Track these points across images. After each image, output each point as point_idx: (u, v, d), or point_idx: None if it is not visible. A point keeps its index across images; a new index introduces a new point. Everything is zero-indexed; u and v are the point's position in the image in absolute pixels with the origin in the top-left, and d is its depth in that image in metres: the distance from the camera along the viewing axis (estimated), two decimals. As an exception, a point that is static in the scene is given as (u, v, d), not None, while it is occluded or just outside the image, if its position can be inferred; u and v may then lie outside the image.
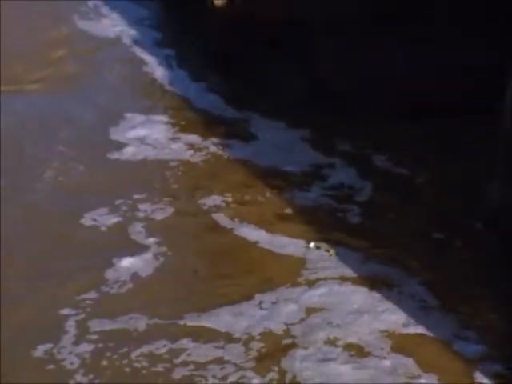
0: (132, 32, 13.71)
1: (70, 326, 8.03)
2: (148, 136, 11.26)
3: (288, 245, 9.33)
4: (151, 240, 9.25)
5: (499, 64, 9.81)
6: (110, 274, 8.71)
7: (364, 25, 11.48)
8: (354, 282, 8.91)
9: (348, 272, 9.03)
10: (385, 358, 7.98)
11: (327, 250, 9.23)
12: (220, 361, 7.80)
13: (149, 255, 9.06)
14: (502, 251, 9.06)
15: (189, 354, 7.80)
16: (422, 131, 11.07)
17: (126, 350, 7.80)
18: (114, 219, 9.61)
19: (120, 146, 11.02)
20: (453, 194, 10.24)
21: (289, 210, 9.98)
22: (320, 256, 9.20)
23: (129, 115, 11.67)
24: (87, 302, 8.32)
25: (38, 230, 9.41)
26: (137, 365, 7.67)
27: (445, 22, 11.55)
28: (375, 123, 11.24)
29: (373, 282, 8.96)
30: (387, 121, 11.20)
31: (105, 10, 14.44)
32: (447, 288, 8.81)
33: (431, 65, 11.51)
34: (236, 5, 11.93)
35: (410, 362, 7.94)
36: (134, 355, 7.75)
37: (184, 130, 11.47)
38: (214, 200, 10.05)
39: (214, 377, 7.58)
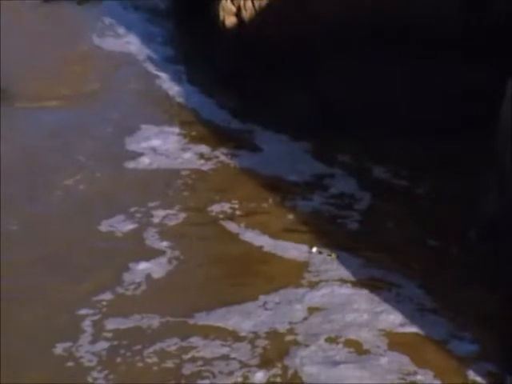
0: (146, 48, 13.76)
1: (87, 325, 8.16)
2: (161, 146, 11.39)
3: (291, 249, 9.45)
4: (164, 244, 9.39)
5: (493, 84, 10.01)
6: (125, 277, 8.85)
7: (366, 46, 11.56)
8: (355, 284, 9.02)
9: (349, 275, 9.13)
10: (382, 355, 8.09)
11: (329, 255, 9.33)
12: (226, 358, 7.92)
13: (162, 259, 9.18)
14: (495, 258, 9.11)
15: (198, 351, 7.93)
16: (421, 146, 11.10)
17: (139, 347, 7.94)
18: (130, 225, 9.72)
19: (136, 155, 11.13)
20: (449, 205, 10.29)
21: (292, 217, 10.10)
22: (322, 260, 9.32)
23: (144, 126, 11.78)
24: (103, 302, 8.44)
25: (57, 234, 9.52)
26: (149, 361, 7.81)
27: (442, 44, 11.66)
28: (375, 139, 11.31)
29: (372, 285, 9.04)
30: (387, 136, 11.25)
31: (120, 27, 14.49)
32: (444, 291, 8.87)
33: (429, 84, 11.58)
34: (245, 26, 12.04)
35: (405, 359, 8.04)
36: (146, 352, 7.89)
37: (194, 140, 11.61)
38: (221, 207, 10.19)
39: (220, 373, 7.73)
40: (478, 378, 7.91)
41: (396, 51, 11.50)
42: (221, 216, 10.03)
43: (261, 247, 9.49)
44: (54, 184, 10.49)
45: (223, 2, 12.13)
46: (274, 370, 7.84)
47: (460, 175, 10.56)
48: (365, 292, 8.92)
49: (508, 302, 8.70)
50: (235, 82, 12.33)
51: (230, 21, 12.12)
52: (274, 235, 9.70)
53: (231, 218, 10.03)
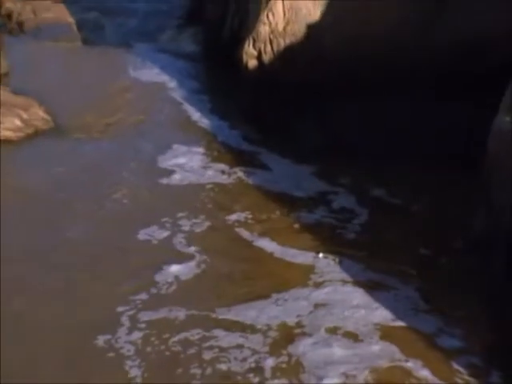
0: (175, 82, 13.98)
1: (125, 319, 8.41)
2: (187, 163, 11.61)
3: (298, 255, 9.71)
4: (192, 250, 9.66)
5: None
6: (158, 278, 9.09)
7: (372, 87, 11.69)
8: (355, 284, 9.24)
9: (349, 277, 9.37)
10: (375, 344, 8.33)
11: (334, 260, 9.61)
12: (242, 346, 8.18)
13: (190, 262, 9.45)
14: (480, 267, 9.36)
15: (217, 341, 8.20)
16: (418, 173, 11.24)
17: (167, 336, 8.21)
18: (163, 233, 9.96)
19: (168, 172, 11.34)
20: (439, 221, 10.45)
21: (297, 227, 10.33)
22: (326, 264, 9.57)
23: (174, 146, 12.04)
24: (138, 300, 8.69)
25: (101, 241, 9.77)
26: (174, 348, 8.09)
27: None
28: (376, 165, 11.43)
29: (371, 286, 9.26)
30: (387, 164, 11.38)
31: (152, 64, 14.66)
32: (435, 294, 9.06)
33: (426, 121, 11.77)
34: (265, 67, 12.20)
35: (396, 349, 8.27)
36: (173, 340, 8.17)
37: (215, 159, 11.87)
38: (237, 217, 10.47)
39: (235, 359, 8.00)
40: (462, 369, 8.06)
41: (399, 93, 11.63)
42: (236, 224, 10.31)
43: (272, 253, 9.75)
44: (103, 198, 10.71)
45: (246, 46, 12.27)
46: (282, 357, 8.08)
47: (451, 198, 10.71)
48: (364, 291, 9.13)
49: (490, 303, 8.92)
50: (253, 114, 12.53)
51: (252, 63, 12.28)
52: (282, 242, 9.93)
53: (246, 226, 10.30)
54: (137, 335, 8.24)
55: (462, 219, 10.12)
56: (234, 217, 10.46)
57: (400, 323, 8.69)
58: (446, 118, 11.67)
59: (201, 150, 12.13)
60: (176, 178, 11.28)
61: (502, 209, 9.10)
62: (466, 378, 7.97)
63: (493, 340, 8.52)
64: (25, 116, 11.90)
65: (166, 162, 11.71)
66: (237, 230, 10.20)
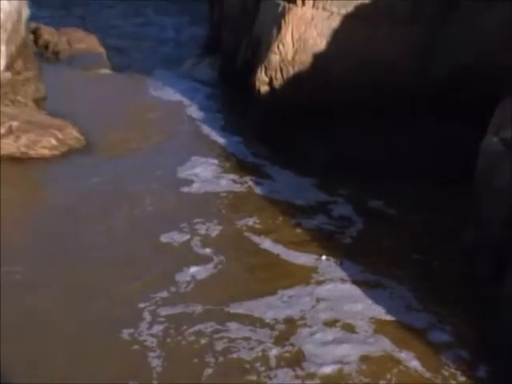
0: (193, 101, 14.14)
1: (146, 314, 8.56)
2: (202, 173, 11.79)
3: (301, 257, 9.88)
4: (207, 252, 9.83)
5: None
6: (178, 277, 9.25)
7: (372, 110, 11.90)
8: (353, 283, 9.39)
9: (349, 277, 9.50)
10: (369, 337, 8.50)
11: (334, 261, 9.74)
12: (250, 338, 8.34)
13: (206, 263, 9.60)
14: (470, 272, 9.52)
15: (228, 333, 8.37)
16: (414, 189, 11.34)
17: (185, 328, 8.38)
18: (184, 237, 10.11)
19: (188, 182, 11.53)
20: (431, 230, 10.56)
21: (299, 232, 10.49)
22: (327, 265, 9.73)
23: (193, 158, 12.25)
24: (159, 297, 8.84)
25: (127, 244, 9.90)
26: (190, 339, 8.27)
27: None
28: (375, 180, 11.55)
29: (368, 285, 9.41)
30: (385, 180, 11.49)
31: (173, 85, 14.78)
32: (428, 294, 9.20)
33: (423, 141, 11.97)
34: (275, 92, 12.39)
35: (390, 341, 8.43)
36: (189, 332, 8.34)
37: (228, 170, 12.05)
38: (246, 222, 10.63)
39: (244, 348, 8.19)
40: (451, 363, 8.21)
41: (399, 116, 11.86)
42: (245, 228, 10.47)
43: (278, 254, 9.91)
44: (130, 205, 10.85)
45: (259, 73, 12.45)
46: (285, 347, 8.24)
47: (444, 211, 10.80)
48: (362, 290, 9.27)
49: (478, 304, 9.00)
50: (263, 133, 12.67)
51: (264, 88, 12.47)
52: (286, 245, 10.08)
53: (254, 230, 10.44)
54: (157, 328, 8.35)
55: (454, 230, 10.17)
56: (243, 222, 10.60)
57: (394, 318, 8.81)
58: (444, 139, 11.84)
59: (215, 161, 12.25)
60: (195, 186, 11.40)
61: (490, 222, 9.21)
62: (454, 370, 8.08)
63: (480, 337, 8.60)
64: (60, 136, 11.95)
65: (185, 172, 11.83)
66: (246, 233, 10.33)
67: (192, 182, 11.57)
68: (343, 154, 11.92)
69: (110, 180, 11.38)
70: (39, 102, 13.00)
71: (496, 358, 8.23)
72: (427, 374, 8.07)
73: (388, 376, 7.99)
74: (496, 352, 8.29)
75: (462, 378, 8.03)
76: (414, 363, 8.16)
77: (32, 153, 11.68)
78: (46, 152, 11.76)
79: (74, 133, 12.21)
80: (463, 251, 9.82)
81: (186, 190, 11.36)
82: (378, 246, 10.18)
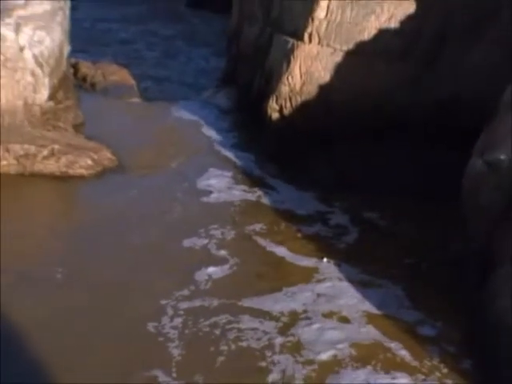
0: (212, 125, 14.20)
1: (168, 309, 8.78)
2: (217, 184, 11.98)
3: (303, 259, 10.08)
4: (222, 253, 10.06)
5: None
6: (197, 276, 9.49)
7: (372, 133, 12.02)
8: (350, 282, 9.59)
9: (345, 277, 9.71)
10: (362, 327, 8.76)
11: (333, 263, 9.93)
12: (258, 328, 8.60)
13: (222, 264, 9.83)
14: (456, 276, 9.64)
15: (239, 324, 8.63)
16: (407, 204, 11.45)
17: (202, 319, 8.65)
18: (203, 241, 10.33)
19: (206, 192, 11.72)
20: (422, 239, 10.71)
21: (299, 236, 10.69)
22: (326, 266, 9.94)
23: (210, 169, 12.42)
24: (179, 294, 9.07)
25: (153, 248, 10.07)
26: (205, 329, 8.53)
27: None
28: (371, 195, 11.62)
29: (364, 284, 9.61)
30: (381, 196, 11.59)
31: (194, 112, 14.82)
32: (420, 294, 9.41)
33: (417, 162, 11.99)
34: (285, 119, 12.54)
35: (380, 332, 8.68)
36: (204, 324, 8.61)
37: (239, 182, 12.20)
38: (254, 227, 10.83)
39: (252, 338, 8.45)
40: (438, 355, 8.42)
41: (396, 140, 11.93)
42: (253, 233, 10.68)
43: (283, 257, 10.11)
44: (158, 214, 10.99)
45: (270, 102, 12.58)
46: (288, 337, 8.51)
47: (433, 224, 10.91)
48: (357, 287, 9.47)
49: (464, 303, 9.13)
50: (272, 152, 12.72)
51: (275, 115, 12.59)
52: (289, 249, 10.28)
53: (261, 235, 10.63)
54: (178, 321, 8.57)
55: (442, 240, 10.38)
56: (252, 227, 10.79)
57: (386, 313, 9.00)
58: (434, 160, 11.87)
59: (229, 174, 12.39)
60: (213, 196, 11.59)
61: (473, 236, 9.30)
62: (440, 362, 8.27)
63: (465, 333, 8.76)
64: (95, 157, 12.04)
65: (203, 183, 11.99)
66: (254, 238, 10.54)
67: (210, 192, 11.70)
68: (343, 173, 12.00)
69: (140, 194, 11.48)
70: (77, 127, 13.09)
71: (479, 353, 8.37)
72: (414, 363, 8.25)
73: (377, 362, 8.23)
74: (479, 347, 8.42)
75: (446, 370, 8.21)
76: (403, 352, 8.35)
77: (71, 172, 11.77)
78: (83, 171, 11.84)
79: (108, 154, 12.26)
80: (450, 260, 9.90)
81: (205, 199, 11.51)
82: (372, 252, 10.29)
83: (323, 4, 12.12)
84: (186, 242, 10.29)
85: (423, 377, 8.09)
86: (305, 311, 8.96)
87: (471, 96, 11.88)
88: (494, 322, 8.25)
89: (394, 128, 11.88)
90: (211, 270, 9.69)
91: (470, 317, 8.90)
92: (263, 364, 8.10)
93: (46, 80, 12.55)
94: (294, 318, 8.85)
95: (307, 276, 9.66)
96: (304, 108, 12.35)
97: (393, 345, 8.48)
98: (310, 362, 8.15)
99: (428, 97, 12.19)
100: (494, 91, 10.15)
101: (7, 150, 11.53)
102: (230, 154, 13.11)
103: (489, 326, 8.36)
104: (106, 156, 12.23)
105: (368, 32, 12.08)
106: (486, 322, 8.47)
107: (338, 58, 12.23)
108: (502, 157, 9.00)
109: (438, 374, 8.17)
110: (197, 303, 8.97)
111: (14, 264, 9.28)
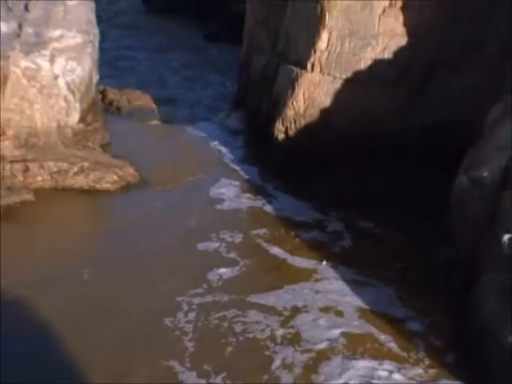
0: (223, 143, 14.27)
1: (183, 305, 9.00)
2: (226, 193, 12.13)
3: (302, 261, 10.23)
4: (232, 255, 10.25)
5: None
6: (209, 276, 9.69)
7: (366, 155, 12.03)
8: (345, 281, 9.76)
9: (341, 277, 9.87)
10: (355, 321, 8.95)
11: (330, 265, 10.04)
12: (261, 322, 8.82)
13: (231, 265, 10.02)
14: (445, 279, 9.74)
15: (245, 317, 8.85)
16: (401, 217, 11.41)
17: (212, 313, 8.89)
18: (215, 245, 10.50)
19: (219, 200, 11.87)
20: (413, 246, 10.73)
21: (298, 241, 10.78)
22: (324, 267, 10.09)
23: (221, 180, 12.55)
24: (193, 291, 9.29)
25: (169, 251, 10.25)
26: (215, 322, 8.78)
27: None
28: (366, 209, 11.67)
29: (358, 283, 9.76)
30: (376, 209, 11.63)
31: (208, 132, 14.81)
32: (410, 295, 9.56)
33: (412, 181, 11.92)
34: (290, 139, 12.61)
35: (372, 326, 8.88)
36: (214, 317, 8.85)
37: (245, 191, 12.32)
38: (258, 232, 10.97)
39: (256, 330, 8.69)
40: (424, 348, 8.60)
41: (391, 160, 11.93)
42: (257, 237, 10.84)
43: (285, 259, 10.28)
44: (176, 221, 11.17)
45: (277, 124, 12.65)
46: (289, 329, 8.73)
47: (424, 235, 10.90)
48: (352, 286, 9.63)
49: (452, 303, 9.27)
50: (277, 169, 12.76)
51: (281, 136, 12.66)
52: (289, 252, 10.42)
53: (264, 239, 10.79)
54: (191, 315, 8.80)
55: (432, 248, 10.35)
56: (256, 232, 10.94)
57: (377, 310, 9.14)
58: (427, 180, 11.82)
59: (237, 183, 12.53)
60: (225, 204, 11.75)
61: (461, 246, 9.44)
62: (426, 354, 8.45)
63: (451, 330, 8.89)
64: (120, 173, 12.17)
65: (214, 191, 12.15)
66: (259, 241, 10.70)
67: (222, 200, 11.84)
68: (341, 189, 12.02)
69: (161, 205, 11.61)
70: (105, 147, 13.19)
71: (464, 349, 8.48)
72: (401, 354, 8.45)
73: (367, 351, 8.45)
74: (464, 343, 8.52)
75: (431, 361, 8.38)
76: (391, 344, 8.54)
77: (98, 186, 11.92)
78: (109, 186, 11.97)
79: (132, 171, 12.37)
80: (439, 266, 9.98)
81: (219, 206, 11.66)
82: (366, 256, 10.37)
83: (324, 36, 12.24)
84: (200, 246, 10.44)
85: (409, 366, 8.27)
86: (304, 306, 9.12)
87: (461, 119, 11.91)
88: (479, 326, 8.32)
89: (389, 150, 11.89)
90: (222, 270, 9.84)
91: (455, 317, 8.98)
92: (267, 353, 8.30)
93: (77, 105, 12.74)
94: (295, 312, 9.01)
95: (307, 276, 9.78)
96: (307, 129, 12.40)
97: (382, 337, 8.63)
98: (308, 351, 8.35)
99: (418, 120, 12.25)
100: (481, 114, 10.19)
101: (42, 167, 11.71)
102: (238, 168, 13.19)
103: (474, 330, 8.42)
104: (130, 172, 12.32)
105: (364, 62, 12.20)
106: (471, 326, 8.54)
107: (338, 85, 12.31)
108: (485, 174, 9.06)
109: (422, 365, 8.34)
110: (208, 299, 9.14)
111: (48, 263, 9.56)
